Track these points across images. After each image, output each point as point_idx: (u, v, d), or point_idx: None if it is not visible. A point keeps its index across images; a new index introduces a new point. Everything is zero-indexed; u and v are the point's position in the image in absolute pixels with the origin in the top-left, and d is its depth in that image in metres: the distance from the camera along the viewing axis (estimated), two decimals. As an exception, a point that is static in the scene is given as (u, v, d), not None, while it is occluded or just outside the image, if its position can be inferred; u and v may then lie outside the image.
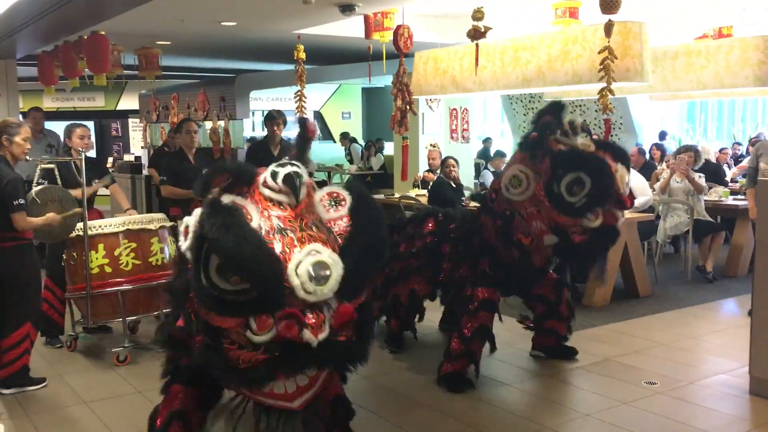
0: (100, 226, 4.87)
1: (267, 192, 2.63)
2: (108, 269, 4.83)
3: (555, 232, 4.04)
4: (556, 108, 4.22)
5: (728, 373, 4.48)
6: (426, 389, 4.30)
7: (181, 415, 3.03)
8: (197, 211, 2.61)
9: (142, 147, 13.38)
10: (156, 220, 5.10)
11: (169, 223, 5.22)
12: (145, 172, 10.49)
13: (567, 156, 3.99)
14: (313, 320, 2.41)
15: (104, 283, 4.82)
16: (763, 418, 3.85)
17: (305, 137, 3.00)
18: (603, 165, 3.93)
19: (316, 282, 2.39)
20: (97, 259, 4.82)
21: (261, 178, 2.68)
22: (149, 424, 3.12)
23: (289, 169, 2.67)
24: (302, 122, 3.05)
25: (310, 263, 2.40)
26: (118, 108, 16.75)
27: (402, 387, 4.36)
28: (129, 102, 16.11)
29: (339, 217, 2.64)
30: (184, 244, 2.67)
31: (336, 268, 2.43)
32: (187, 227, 2.68)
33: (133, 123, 15.92)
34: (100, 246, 4.83)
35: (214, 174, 2.64)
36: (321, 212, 2.66)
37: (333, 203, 2.68)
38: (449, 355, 4.35)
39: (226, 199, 2.57)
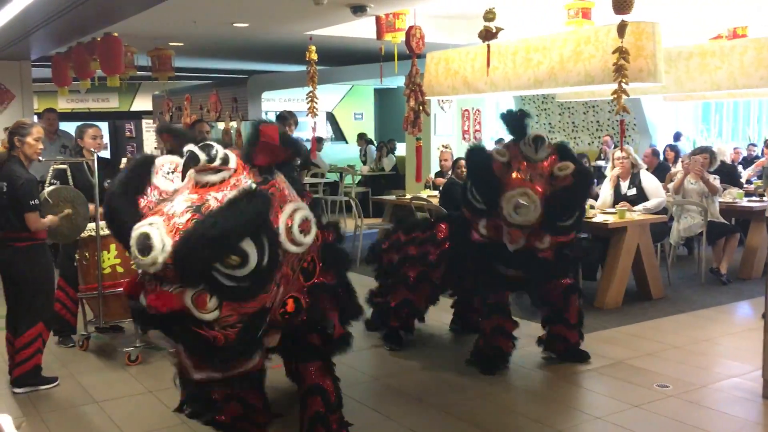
0: (112, 227, 4.89)
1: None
2: (120, 269, 4.86)
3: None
4: (522, 116, 4.35)
5: (741, 376, 4.43)
6: (434, 390, 4.29)
7: None
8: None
9: (155, 148, 13.45)
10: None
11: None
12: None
13: (473, 158, 4.32)
14: (150, 288, 2.63)
15: (116, 283, 4.84)
16: (776, 422, 3.81)
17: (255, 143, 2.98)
18: (492, 180, 4.11)
19: (139, 250, 2.57)
20: (109, 259, 4.85)
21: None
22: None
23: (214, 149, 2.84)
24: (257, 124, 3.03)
25: (138, 231, 2.60)
26: (132, 109, 16.85)
27: (410, 388, 4.35)
28: (143, 103, 16.20)
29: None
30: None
31: (161, 248, 2.54)
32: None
33: (147, 124, 16.01)
34: (112, 246, 4.85)
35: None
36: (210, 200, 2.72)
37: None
38: (479, 350, 4.61)
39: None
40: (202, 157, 2.73)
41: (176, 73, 9.13)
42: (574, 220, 4.17)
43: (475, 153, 4.34)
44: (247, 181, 2.77)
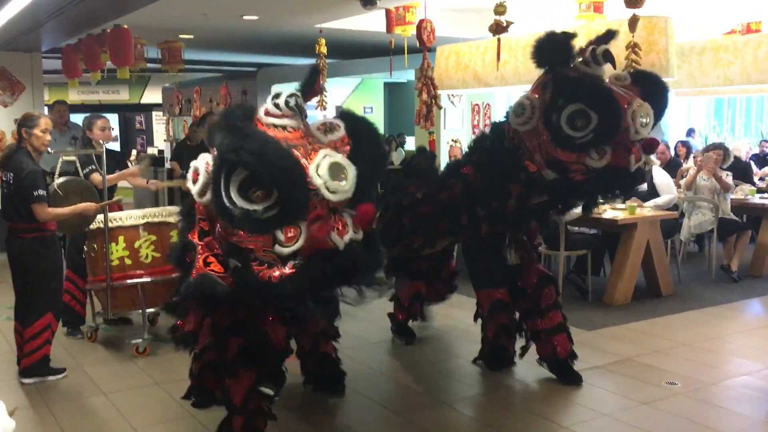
0: (120, 219, 4.91)
1: (270, 120, 2.82)
2: (128, 261, 4.87)
3: (553, 167, 3.68)
4: (568, 36, 3.75)
5: (752, 374, 4.39)
6: (441, 386, 4.27)
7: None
8: (203, 155, 2.84)
9: (165, 140, 13.49)
10: (176, 213, 5.12)
11: (189, 217, 5.23)
12: (167, 165, 10.56)
13: (569, 84, 3.62)
14: (338, 223, 2.60)
15: (124, 275, 4.85)
16: (787, 421, 3.77)
17: (316, 73, 3.24)
18: (608, 98, 3.54)
19: (335, 179, 2.56)
20: (117, 251, 4.86)
21: (261, 110, 2.87)
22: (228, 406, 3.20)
23: (288, 92, 2.87)
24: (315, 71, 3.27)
25: (328, 163, 2.58)
26: (142, 101, 16.89)
27: (419, 384, 4.33)
28: (153, 95, 16.24)
29: (338, 139, 2.84)
30: (194, 187, 2.83)
31: (351, 168, 2.62)
32: (195, 170, 2.85)
33: (157, 116, 16.06)
34: (121, 238, 4.86)
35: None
36: (320, 137, 2.84)
37: (328, 130, 2.87)
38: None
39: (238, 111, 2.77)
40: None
41: (186, 66, 9.13)
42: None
43: (566, 78, 3.67)
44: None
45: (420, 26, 6.17)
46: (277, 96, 2.86)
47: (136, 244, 4.89)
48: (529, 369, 4.56)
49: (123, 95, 16.67)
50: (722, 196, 7.02)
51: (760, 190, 7.79)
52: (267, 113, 2.85)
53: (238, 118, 2.69)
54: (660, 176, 6.73)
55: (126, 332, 5.33)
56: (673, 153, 9.52)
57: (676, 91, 8.85)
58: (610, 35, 3.85)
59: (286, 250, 2.57)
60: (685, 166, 8.59)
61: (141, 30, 7.61)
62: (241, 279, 2.72)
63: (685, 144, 10.01)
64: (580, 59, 3.72)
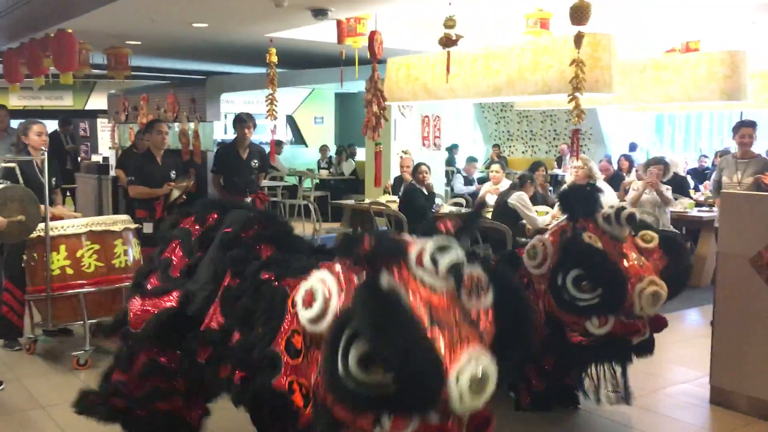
0: (62, 227, 4.79)
1: (419, 273, 2.24)
2: (69, 271, 4.75)
3: (549, 324, 3.68)
4: (595, 190, 3.81)
5: (690, 382, 4.53)
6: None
7: None
8: (324, 276, 2.36)
9: (110, 147, 13.19)
10: (120, 221, 5.03)
11: (133, 225, 5.14)
12: (112, 173, 10.33)
13: (576, 248, 3.59)
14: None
15: (65, 284, 4.73)
16: (722, 427, 3.90)
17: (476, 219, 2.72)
18: (614, 273, 3.50)
19: (473, 393, 2.08)
20: (58, 260, 4.73)
21: (413, 254, 2.27)
22: None
23: (455, 255, 2.27)
24: (477, 215, 2.75)
25: (472, 372, 2.08)
26: (86, 107, 16.52)
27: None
28: (98, 102, 15.90)
29: (484, 310, 2.31)
30: (307, 312, 2.33)
31: (493, 378, 2.12)
32: (311, 292, 2.35)
33: (102, 123, 15.70)
34: (62, 247, 4.74)
35: (359, 237, 2.30)
36: (463, 301, 2.28)
37: (474, 291, 2.33)
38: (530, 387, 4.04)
39: (384, 279, 2.20)
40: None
41: (133, 72, 8.97)
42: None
43: (576, 242, 3.63)
44: None
45: (371, 38, 6.21)
46: (442, 250, 2.25)
47: (79, 254, 4.77)
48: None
49: (67, 101, 16.27)
50: (662, 210, 7.23)
51: (698, 204, 8.06)
52: (420, 263, 2.25)
53: (384, 281, 2.18)
54: (603, 190, 6.89)
55: (66, 344, 5.18)
56: (616, 167, 9.79)
57: (618, 106, 9.12)
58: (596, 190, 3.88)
59: None
60: (627, 179, 8.84)
61: (86, 35, 7.45)
62: None
63: (627, 158, 10.31)
64: (604, 217, 3.68)
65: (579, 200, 3.76)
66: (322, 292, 2.32)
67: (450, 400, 2.06)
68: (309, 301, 2.34)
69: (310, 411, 2.38)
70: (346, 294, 2.29)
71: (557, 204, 3.81)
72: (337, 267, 2.38)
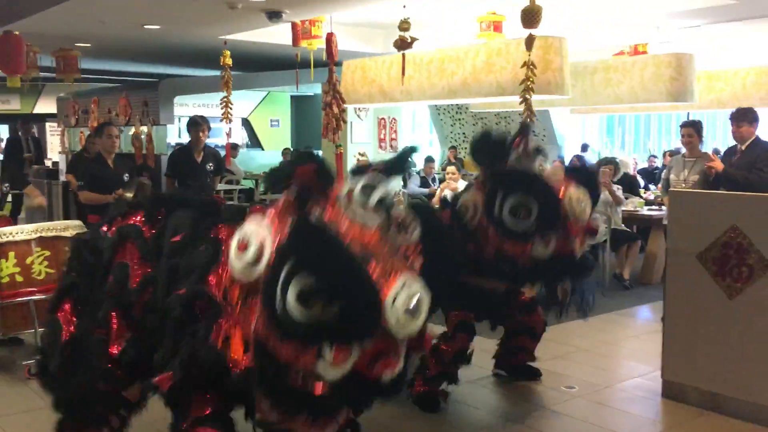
0: (11, 233, 4.66)
1: (350, 210, 2.36)
2: (19, 278, 4.63)
3: (503, 258, 3.79)
4: (502, 136, 3.99)
5: (642, 376, 4.64)
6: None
7: None
8: (257, 220, 2.39)
9: (60, 152, 12.92)
10: (71, 227, 4.92)
11: (85, 231, 5.04)
12: (62, 177, 10.11)
13: (506, 178, 3.79)
14: (393, 354, 2.27)
15: (15, 292, 4.61)
16: (674, 419, 4.01)
17: (402, 164, 2.75)
18: (545, 187, 3.73)
19: (409, 316, 2.21)
20: (7, 267, 4.61)
21: (344, 192, 2.39)
22: None
23: (384, 189, 2.42)
24: (411, 150, 2.82)
25: (406, 296, 2.21)
26: (34, 111, 16.12)
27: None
28: (47, 105, 15.53)
29: (412, 244, 2.42)
30: (241, 258, 2.35)
31: (426, 301, 2.26)
32: (244, 240, 2.36)
33: (51, 127, 15.36)
34: (11, 254, 4.62)
35: (290, 170, 2.40)
36: (392, 237, 2.40)
37: (402, 228, 2.46)
38: (425, 376, 4.14)
39: (314, 216, 2.30)
40: None
41: (83, 75, 8.80)
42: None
43: (502, 173, 3.85)
44: None
45: (329, 40, 6.21)
46: (370, 188, 2.40)
47: (29, 260, 4.66)
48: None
49: (14, 105, 15.85)
50: (614, 209, 7.40)
51: (648, 203, 8.27)
52: (350, 200, 2.38)
53: (316, 212, 2.30)
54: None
55: (17, 353, 5.04)
56: (569, 167, 9.95)
57: (571, 108, 9.31)
58: (527, 129, 4.08)
59: (330, 374, 2.20)
60: (580, 179, 9.00)
61: (34, 37, 7.28)
62: (268, 382, 2.34)
63: (580, 159, 10.50)
64: (515, 156, 3.86)
65: (490, 148, 3.94)
66: (255, 238, 2.35)
67: (388, 325, 2.18)
68: (243, 247, 2.36)
69: (247, 359, 2.40)
70: (279, 236, 2.32)
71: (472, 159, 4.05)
72: (269, 211, 2.43)
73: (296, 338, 2.21)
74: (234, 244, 2.40)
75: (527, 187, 3.71)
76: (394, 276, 2.24)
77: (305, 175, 2.38)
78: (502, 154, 3.88)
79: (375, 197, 2.39)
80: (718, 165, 5.51)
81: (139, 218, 2.98)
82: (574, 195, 3.74)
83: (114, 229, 3.02)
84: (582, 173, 4.02)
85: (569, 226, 3.73)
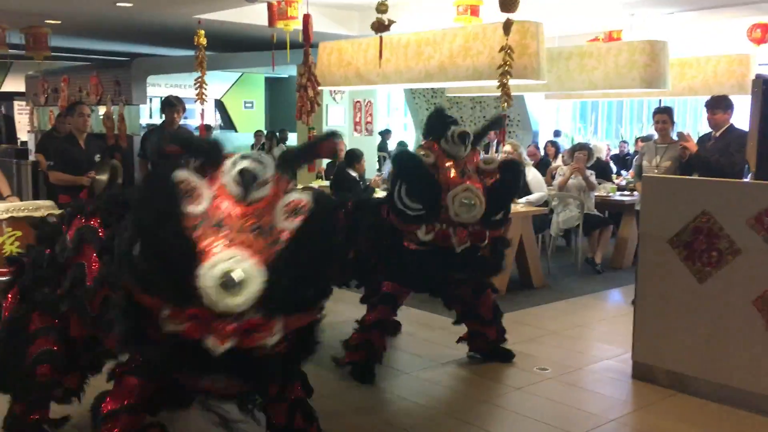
0: (-20, 214, 4.57)
1: (226, 180, 2.41)
2: (-10, 260, 4.55)
3: (392, 233, 4.07)
4: (442, 116, 4.26)
5: (613, 358, 4.73)
6: (328, 379, 4.29)
7: (134, 410, 2.82)
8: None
9: (28, 131, 12.67)
10: (43, 207, 4.83)
11: (57, 211, 4.96)
12: (31, 157, 9.93)
13: (403, 161, 4.07)
14: (222, 326, 2.20)
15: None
16: (643, 400, 4.10)
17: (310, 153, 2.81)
18: (428, 180, 3.94)
19: (224, 290, 2.17)
20: (-22, 251, 4.53)
21: (227, 164, 2.45)
22: (93, 410, 2.89)
23: (249, 163, 2.42)
24: (330, 135, 2.80)
25: (222, 269, 2.17)
26: (2, 89, 15.77)
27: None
28: (14, 84, 15.20)
29: (289, 230, 2.37)
30: None
31: (253, 282, 2.19)
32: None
33: (19, 106, 15.05)
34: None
35: (173, 140, 2.52)
36: (278, 218, 2.39)
37: (293, 212, 2.41)
38: (348, 345, 4.38)
39: (183, 174, 2.36)
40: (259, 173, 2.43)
41: (53, 53, 8.63)
42: (506, 214, 4.18)
43: (405, 156, 4.16)
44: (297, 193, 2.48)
45: (305, 21, 6.15)
46: (234, 163, 2.42)
47: (-1, 241, 4.58)
48: (409, 359, 4.68)
49: (-20, 82, 15.50)
50: (587, 194, 7.48)
51: (620, 188, 8.37)
52: (227, 172, 2.42)
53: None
54: (532, 175, 7.09)
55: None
56: (542, 153, 10.05)
57: (546, 94, 9.36)
58: (499, 122, 4.38)
59: (169, 328, 2.26)
60: (554, 164, 9.08)
61: (2, 14, 7.13)
62: (128, 340, 2.48)
63: (554, 144, 10.59)
64: (444, 138, 4.07)
65: (437, 122, 4.20)
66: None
67: (203, 293, 2.17)
68: None
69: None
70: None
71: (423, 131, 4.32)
72: None
73: (140, 286, 2.31)
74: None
75: (412, 177, 3.95)
76: (231, 248, 2.23)
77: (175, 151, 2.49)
78: (442, 131, 4.09)
79: (237, 167, 2.40)
80: (692, 146, 5.62)
81: (96, 221, 3.09)
82: (460, 195, 3.91)
83: (73, 229, 3.13)
84: (509, 169, 4.15)
85: (453, 222, 3.94)
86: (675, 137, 6.13)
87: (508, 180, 4.12)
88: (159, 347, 2.36)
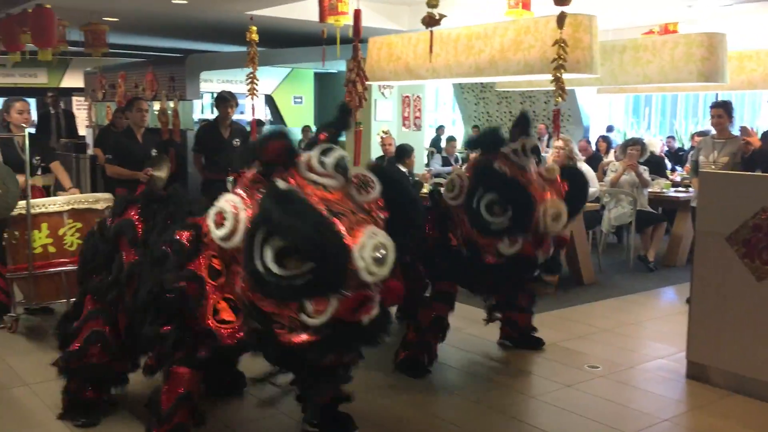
0: (43, 205, 4.75)
1: (311, 176, 2.67)
2: (51, 249, 4.72)
3: (468, 247, 4.03)
4: (525, 121, 4.22)
5: (666, 357, 4.64)
6: (379, 374, 4.31)
7: (189, 399, 3.02)
8: (230, 197, 2.69)
9: (86, 126, 13.04)
10: (103, 200, 4.99)
11: (116, 204, 5.10)
12: (89, 151, 10.22)
13: (487, 174, 3.98)
14: (370, 295, 2.53)
15: (47, 263, 4.70)
16: (698, 400, 4.01)
17: (345, 122, 3.02)
18: (522, 193, 3.88)
19: (377, 264, 2.48)
20: (40, 238, 4.70)
21: (303, 161, 2.70)
22: (152, 404, 3.06)
23: (337, 153, 2.73)
24: (345, 109, 3.09)
25: (372, 245, 2.48)
26: (61, 85, 16.25)
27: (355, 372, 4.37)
28: (73, 80, 15.65)
29: (373, 200, 2.73)
30: (219, 231, 2.67)
31: (392, 250, 2.53)
32: (221, 213, 2.68)
33: (78, 101, 15.49)
34: (44, 225, 4.70)
35: (257, 149, 2.74)
36: (354, 195, 2.72)
37: (362, 186, 2.76)
38: (405, 344, 4.35)
39: (281, 183, 2.60)
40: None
41: (110, 50, 8.87)
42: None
43: (489, 170, 4.01)
44: None
45: (356, 16, 6.17)
46: (325, 153, 2.72)
47: (61, 232, 4.74)
48: (461, 355, 4.68)
49: (41, 78, 15.99)
50: (640, 190, 7.34)
51: (674, 184, 8.19)
52: (310, 168, 2.70)
53: (281, 177, 2.63)
54: (584, 170, 6.98)
55: (49, 322, 5.15)
56: (594, 148, 9.89)
57: (598, 88, 9.20)
58: (525, 119, 4.28)
59: (313, 322, 2.49)
60: (605, 160, 8.93)
61: (63, 11, 7.35)
62: (260, 340, 2.69)
63: (605, 139, 10.41)
64: (512, 149, 4.02)
65: (487, 137, 4.18)
66: (230, 211, 2.65)
67: (359, 273, 2.46)
68: (220, 221, 2.67)
69: (239, 322, 2.75)
70: (252, 207, 2.64)
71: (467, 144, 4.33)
72: (239, 189, 2.75)
73: (277, 295, 2.51)
74: (210, 219, 2.72)
75: (505, 189, 3.90)
76: (359, 229, 2.52)
77: (272, 151, 2.70)
78: (498, 145, 4.06)
79: (331, 160, 2.69)
80: (756, 141, 5.47)
81: (134, 213, 3.32)
82: (550, 209, 3.89)
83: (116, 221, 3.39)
84: (575, 178, 4.17)
85: (539, 234, 3.93)
86: (736, 132, 5.96)
87: (578, 191, 4.17)
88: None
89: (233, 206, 2.66)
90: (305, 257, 2.43)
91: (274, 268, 2.44)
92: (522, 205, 3.85)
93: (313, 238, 2.41)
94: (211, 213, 2.72)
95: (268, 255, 2.46)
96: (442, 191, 4.24)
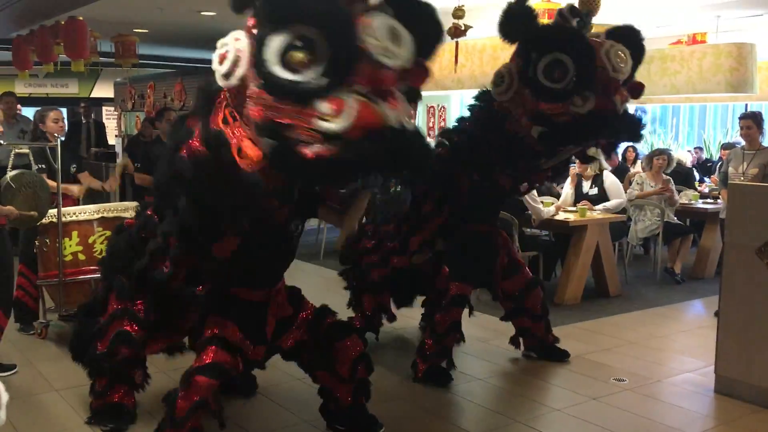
0: (74, 213, 4.84)
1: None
2: (81, 257, 4.80)
3: (539, 121, 3.72)
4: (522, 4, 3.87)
5: (694, 371, 4.58)
6: (401, 383, 4.32)
7: (204, 406, 3.07)
8: (235, 33, 2.51)
9: (116, 135, 13.24)
10: (131, 208, 5.06)
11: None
12: (119, 160, 10.37)
13: (538, 37, 3.70)
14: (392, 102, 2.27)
15: (77, 270, 4.79)
16: (727, 415, 3.95)
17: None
18: (579, 39, 3.61)
19: (393, 41, 2.23)
20: (70, 246, 4.78)
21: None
22: (169, 403, 3.12)
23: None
24: None
25: (385, 22, 2.24)
26: (92, 95, 16.53)
27: (377, 380, 4.37)
28: (103, 90, 15.91)
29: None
30: (222, 67, 2.47)
31: (408, 34, 2.28)
32: (224, 47, 2.50)
33: (108, 111, 15.74)
34: (74, 233, 4.79)
35: None
36: None
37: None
38: (424, 353, 4.34)
39: None
40: None
41: (140, 61, 9.02)
42: None
43: (540, 30, 3.81)
44: None
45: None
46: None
47: (90, 239, 4.83)
48: (485, 366, 4.66)
49: (72, 89, 16.27)
50: (667, 202, 7.26)
51: (702, 196, 8.09)
52: None
53: None
54: (610, 181, 6.94)
55: (78, 329, 5.23)
56: (621, 158, 9.80)
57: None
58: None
59: (328, 125, 2.19)
60: (632, 170, 8.85)
61: (94, 23, 7.49)
62: (278, 156, 2.36)
63: (633, 149, 10.30)
64: (559, 17, 3.81)
65: (516, 20, 3.83)
66: (232, 45, 2.46)
67: (373, 55, 2.21)
68: (222, 57, 2.48)
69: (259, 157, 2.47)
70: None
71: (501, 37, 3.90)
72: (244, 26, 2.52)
73: (291, 94, 2.25)
74: (215, 57, 2.54)
75: (560, 43, 3.61)
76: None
77: None
78: (530, 22, 3.79)
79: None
80: None
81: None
82: (610, 47, 3.60)
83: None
84: (624, 31, 3.85)
85: (608, 81, 3.61)
86: (767, 143, 5.88)
87: (630, 45, 3.83)
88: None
89: (235, 38, 2.49)
90: (309, 47, 2.20)
91: (281, 72, 2.23)
92: (583, 53, 3.55)
93: (313, 8, 2.21)
94: (216, 53, 2.55)
95: (272, 53, 2.24)
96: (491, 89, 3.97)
